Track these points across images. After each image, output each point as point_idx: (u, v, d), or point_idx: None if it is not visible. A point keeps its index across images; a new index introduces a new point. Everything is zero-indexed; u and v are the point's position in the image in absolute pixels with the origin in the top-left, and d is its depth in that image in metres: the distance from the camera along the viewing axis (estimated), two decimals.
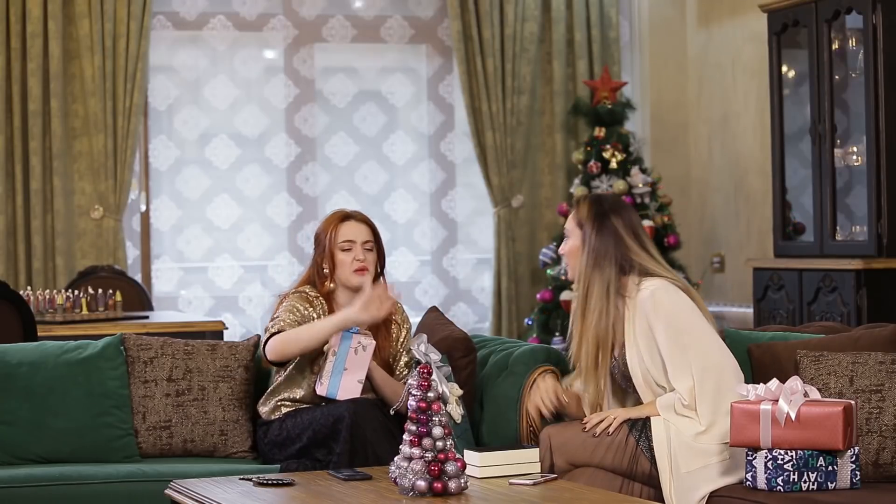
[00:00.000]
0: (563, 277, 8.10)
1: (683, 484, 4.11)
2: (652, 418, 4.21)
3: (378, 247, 4.86)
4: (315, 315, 4.75)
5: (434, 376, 3.88)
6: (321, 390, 4.63)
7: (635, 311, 4.25)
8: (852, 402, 4.00)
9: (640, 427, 4.23)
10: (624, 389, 4.37)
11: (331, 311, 4.75)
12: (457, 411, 4.70)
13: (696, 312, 4.23)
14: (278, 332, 4.64)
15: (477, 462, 4.08)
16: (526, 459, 4.16)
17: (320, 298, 4.78)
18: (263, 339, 4.70)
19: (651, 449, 4.19)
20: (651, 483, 4.20)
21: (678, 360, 4.17)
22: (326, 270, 4.78)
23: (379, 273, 4.85)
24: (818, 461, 3.95)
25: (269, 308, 4.96)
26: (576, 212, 4.38)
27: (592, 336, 4.28)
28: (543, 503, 3.77)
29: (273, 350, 4.63)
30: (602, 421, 4.27)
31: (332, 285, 4.78)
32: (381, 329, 4.79)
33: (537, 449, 4.20)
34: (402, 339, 4.86)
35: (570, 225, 4.38)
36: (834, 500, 3.87)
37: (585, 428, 4.27)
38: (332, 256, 4.78)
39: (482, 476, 4.06)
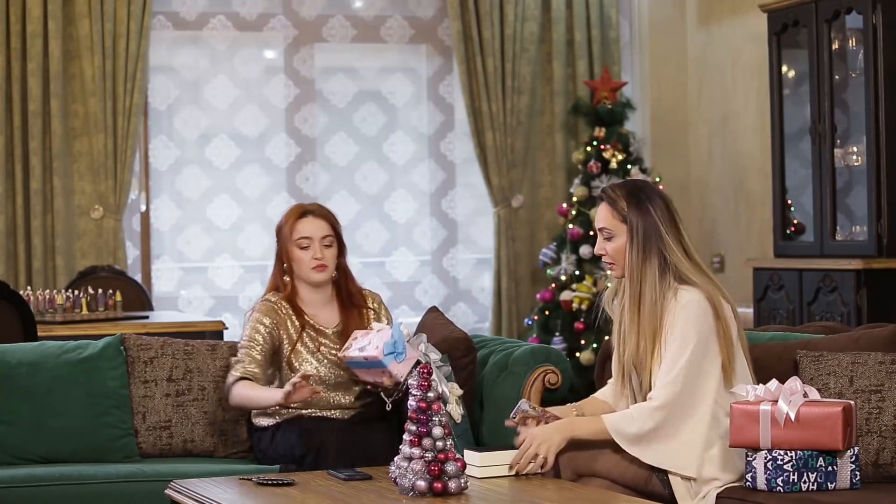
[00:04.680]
0: (565, 277, 8.11)
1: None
2: None
3: (338, 239, 4.80)
4: (278, 330, 4.72)
5: (434, 376, 3.88)
6: (340, 353, 4.66)
7: (665, 313, 4.12)
8: (852, 402, 4.00)
9: None
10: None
11: (296, 313, 4.74)
12: (457, 411, 4.69)
13: (711, 346, 4.09)
14: (242, 377, 4.68)
15: (477, 462, 4.08)
16: None
17: (284, 305, 4.76)
18: (230, 380, 4.71)
19: (663, 471, 4.13)
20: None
21: (670, 367, 4.10)
22: (286, 266, 4.78)
23: (339, 263, 4.81)
24: (818, 461, 3.95)
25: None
26: (612, 204, 4.18)
27: (650, 330, 4.13)
28: (543, 503, 3.77)
29: (234, 402, 4.72)
30: (533, 458, 4.10)
31: (286, 279, 4.77)
32: (352, 317, 4.79)
33: None
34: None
35: (612, 222, 4.18)
36: (834, 501, 3.87)
37: (513, 469, 4.10)
38: (289, 253, 4.76)
39: (482, 476, 4.06)
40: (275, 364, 4.77)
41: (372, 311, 4.86)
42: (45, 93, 7.82)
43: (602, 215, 4.23)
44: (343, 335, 4.75)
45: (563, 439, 4.11)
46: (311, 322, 4.77)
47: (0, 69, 7.75)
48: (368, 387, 4.68)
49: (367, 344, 4.56)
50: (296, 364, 4.71)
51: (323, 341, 4.76)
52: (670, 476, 4.10)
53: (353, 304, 4.83)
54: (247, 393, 4.65)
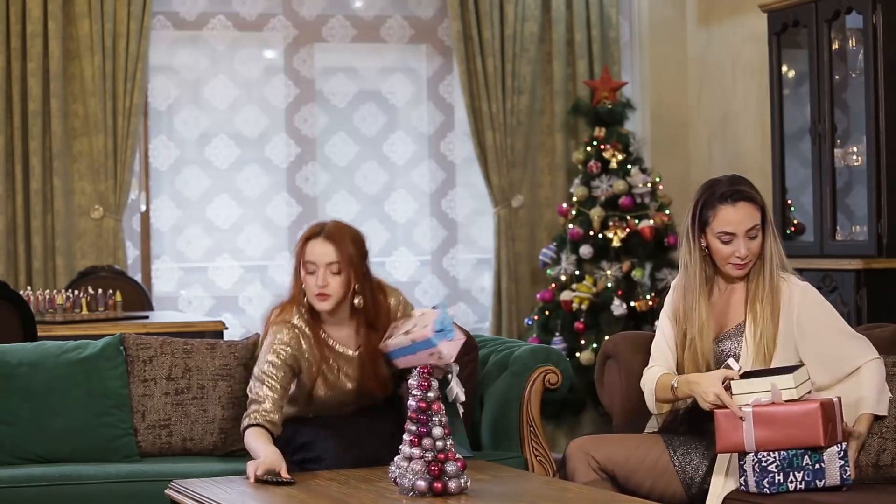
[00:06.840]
0: (565, 277, 8.10)
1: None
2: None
3: (351, 265, 4.51)
4: (299, 361, 4.50)
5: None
6: (381, 344, 4.39)
7: (781, 300, 4.17)
8: (834, 398, 3.98)
9: (680, 451, 4.17)
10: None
11: (317, 342, 4.53)
12: (458, 390, 4.43)
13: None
14: (255, 424, 4.37)
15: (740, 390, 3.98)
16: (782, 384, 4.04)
17: (307, 332, 4.53)
18: (245, 422, 4.42)
19: (684, 471, 4.12)
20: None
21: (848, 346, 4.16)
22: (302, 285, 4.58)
23: (355, 292, 4.53)
24: (803, 460, 3.94)
25: (267, 310, 4.68)
26: (753, 200, 4.19)
27: (776, 317, 4.17)
28: (544, 503, 3.77)
29: (246, 444, 4.41)
30: None
31: (304, 298, 4.57)
32: (373, 340, 4.57)
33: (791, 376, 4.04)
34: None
35: (759, 217, 4.19)
36: (834, 501, 3.86)
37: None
38: (300, 274, 4.58)
39: (745, 401, 3.95)
40: (295, 379, 4.59)
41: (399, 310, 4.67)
42: (45, 93, 7.82)
43: (747, 214, 4.22)
44: (362, 357, 4.58)
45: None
46: (332, 346, 4.58)
47: (0, 69, 7.75)
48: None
49: (412, 327, 4.21)
50: (320, 394, 4.58)
51: (344, 368, 4.61)
52: (714, 476, 4.08)
53: (377, 328, 4.57)
54: (251, 445, 4.36)
